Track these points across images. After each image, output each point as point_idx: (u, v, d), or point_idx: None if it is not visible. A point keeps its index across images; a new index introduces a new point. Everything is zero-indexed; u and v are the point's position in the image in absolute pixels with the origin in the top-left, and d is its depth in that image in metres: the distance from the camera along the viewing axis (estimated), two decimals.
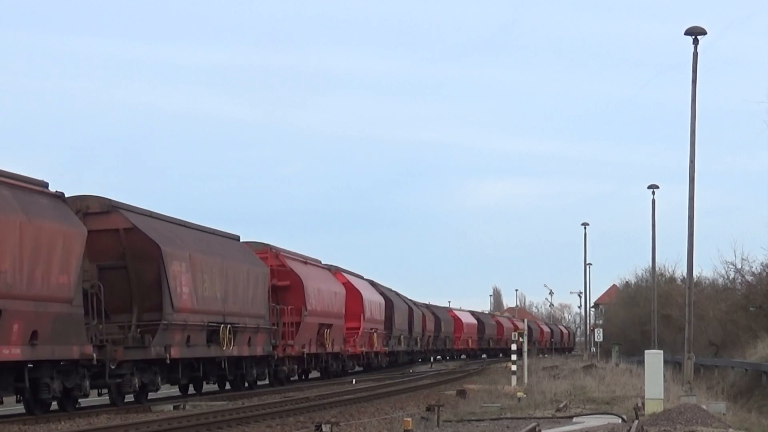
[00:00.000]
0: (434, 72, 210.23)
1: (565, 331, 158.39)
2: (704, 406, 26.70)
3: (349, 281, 56.57)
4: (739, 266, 66.96)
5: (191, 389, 37.63)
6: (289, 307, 43.81)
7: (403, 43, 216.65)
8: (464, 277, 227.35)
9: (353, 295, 56.02)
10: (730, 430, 23.40)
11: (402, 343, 71.22)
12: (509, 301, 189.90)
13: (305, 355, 45.83)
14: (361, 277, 62.94)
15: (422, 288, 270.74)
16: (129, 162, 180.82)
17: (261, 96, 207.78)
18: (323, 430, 20.19)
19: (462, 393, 36.24)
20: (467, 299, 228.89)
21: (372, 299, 60.83)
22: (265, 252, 43.50)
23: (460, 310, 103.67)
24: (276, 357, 41.95)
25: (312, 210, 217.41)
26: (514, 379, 43.38)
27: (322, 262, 53.71)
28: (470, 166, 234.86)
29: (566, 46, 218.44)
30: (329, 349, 49.39)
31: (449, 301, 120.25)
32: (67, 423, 25.36)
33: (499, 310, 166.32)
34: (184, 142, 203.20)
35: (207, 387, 38.82)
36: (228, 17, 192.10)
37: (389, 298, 68.03)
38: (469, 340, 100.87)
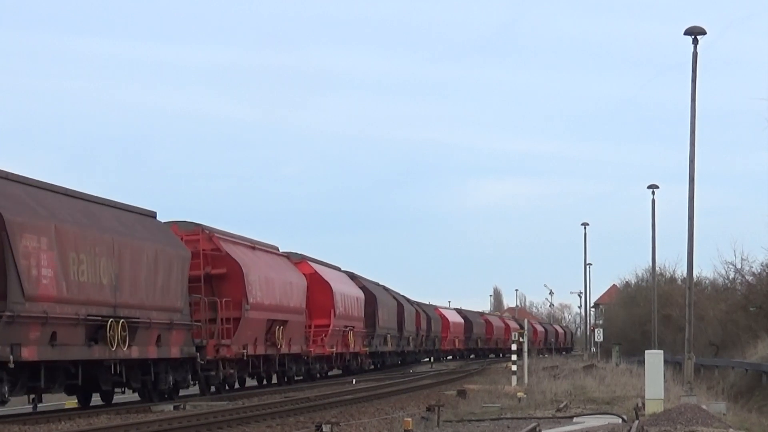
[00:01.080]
0: (434, 72, 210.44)
1: (560, 330, 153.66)
2: (704, 406, 26.69)
3: (316, 272, 49.64)
4: (739, 266, 67.08)
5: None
6: (225, 300, 36.16)
7: (403, 43, 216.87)
8: (464, 277, 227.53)
9: (321, 287, 49.15)
10: (731, 430, 23.39)
11: (389, 343, 65.82)
12: (509, 301, 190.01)
13: (246, 357, 38.04)
14: (338, 269, 56.80)
15: (422, 288, 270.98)
16: (129, 162, 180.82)
17: (261, 96, 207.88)
18: (324, 430, 20.19)
19: (462, 393, 36.22)
20: (467, 299, 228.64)
21: (347, 293, 54.23)
22: (195, 233, 36.37)
23: (446, 308, 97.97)
24: (205, 360, 34.44)
25: (312, 210, 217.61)
26: (514, 379, 43.36)
27: (281, 250, 46.35)
28: (470, 166, 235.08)
29: (566, 46, 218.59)
30: (284, 350, 42.37)
31: (449, 301, 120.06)
32: (67, 423, 25.35)
33: (500, 310, 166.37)
34: (184, 142, 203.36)
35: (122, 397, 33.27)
36: (228, 17, 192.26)
37: (372, 292, 61.85)
38: (456, 340, 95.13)
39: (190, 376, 34.04)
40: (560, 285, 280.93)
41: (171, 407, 30.67)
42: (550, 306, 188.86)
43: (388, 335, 65.51)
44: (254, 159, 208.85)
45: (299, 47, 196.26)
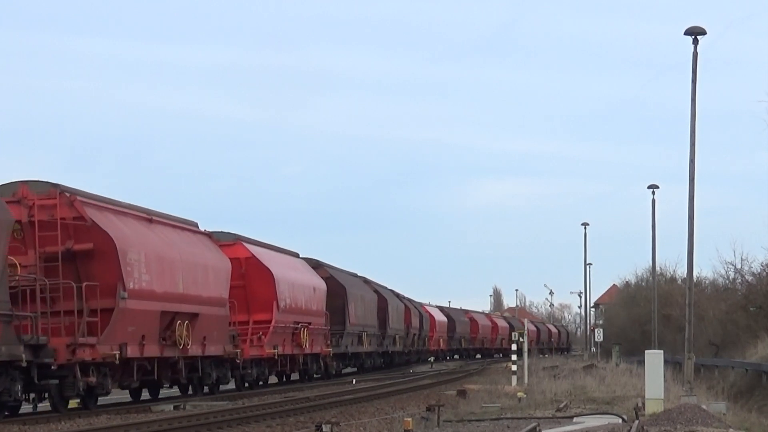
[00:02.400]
0: (434, 72, 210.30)
1: (555, 330, 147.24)
2: (704, 406, 26.69)
3: (254, 256, 40.73)
4: (739, 266, 66.98)
5: None
6: (89, 285, 27.91)
7: (403, 43, 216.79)
8: (464, 277, 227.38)
9: (260, 275, 40.23)
10: (731, 430, 23.40)
11: (367, 343, 58.26)
12: (509, 302, 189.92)
13: (119, 361, 28.97)
14: (294, 255, 48.23)
15: (422, 288, 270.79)
16: (129, 162, 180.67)
17: (261, 96, 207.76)
18: (323, 430, 20.20)
19: (462, 393, 36.23)
20: (467, 299, 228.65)
21: (299, 282, 45.12)
22: (51, 197, 28.44)
23: (429, 305, 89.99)
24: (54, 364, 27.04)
25: (312, 210, 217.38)
26: (514, 379, 43.38)
27: (199, 227, 37.62)
28: (470, 166, 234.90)
29: (566, 46, 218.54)
30: (194, 351, 33.37)
31: (449, 301, 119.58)
32: (67, 423, 25.36)
33: (500, 310, 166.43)
34: (184, 142, 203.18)
35: None
36: (228, 17, 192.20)
37: (340, 283, 53.67)
38: (441, 340, 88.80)
39: (19, 387, 25.87)
40: (560, 285, 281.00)
41: (171, 407, 30.69)
42: (550, 306, 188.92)
43: (365, 334, 57.81)
44: (254, 159, 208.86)
45: (299, 47, 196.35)
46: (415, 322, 75.38)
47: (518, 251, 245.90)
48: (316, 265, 51.85)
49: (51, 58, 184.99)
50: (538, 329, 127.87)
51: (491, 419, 25.65)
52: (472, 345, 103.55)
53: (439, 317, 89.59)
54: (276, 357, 41.69)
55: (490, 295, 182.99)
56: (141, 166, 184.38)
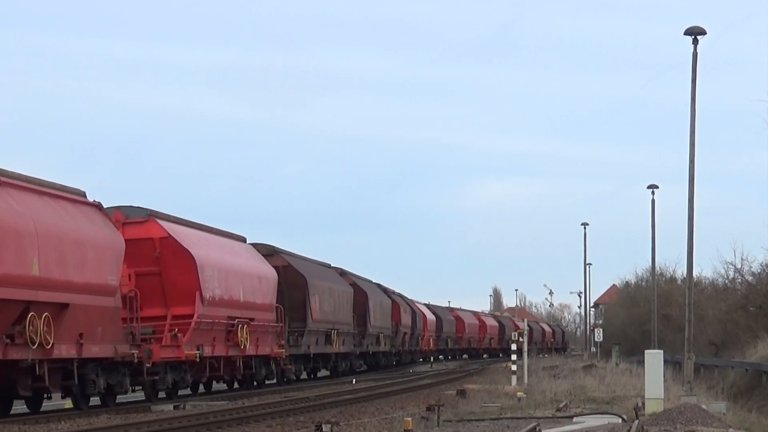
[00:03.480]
0: (434, 72, 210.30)
1: (549, 329, 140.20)
2: (704, 406, 26.70)
3: (170, 236, 33.31)
4: (739, 266, 67.03)
5: None
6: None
7: (403, 43, 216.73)
8: (464, 277, 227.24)
9: (176, 258, 33.09)
10: (731, 430, 23.41)
11: (339, 342, 50.57)
12: (509, 301, 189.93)
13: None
14: (239, 239, 40.63)
15: (422, 288, 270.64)
16: (129, 162, 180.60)
17: (261, 96, 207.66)
18: (323, 430, 20.19)
19: (462, 393, 36.23)
20: (467, 299, 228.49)
21: (236, 270, 37.16)
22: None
23: (417, 302, 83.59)
24: None
25: (312, 210, 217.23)
26: (514, 378, 43.38)
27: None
28: (470, 166, 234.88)
29: (567, 47, 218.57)
30: (59, 353, 26.01)
31: (449, 301, 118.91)
32: (67, 423, 25.35)
33: (499, 310, 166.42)
34: (184, 142, 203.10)
35: None
36: (228, 17, 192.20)
37: (299, 272, 45.67)
38: (431, 340, 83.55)
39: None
40: (560, 285, 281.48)
41: (171, 407, 30.69)
42: (549, 306, 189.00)
43: (335, 332, 50.03)
44: (254, 159, 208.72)
45: (299, 47, 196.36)
46: (406, 319, 69.54)
47: (518, 251, 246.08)
48: (270, 252, 44.15)
49: (51, 58, 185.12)
50: (531, 328, 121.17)
51: (491, 419, 25.65)
52: (458, 345, 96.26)
53: (429, 315, 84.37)
54: (198, 359, 33.59)
55: (490, 295, 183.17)
56: (141, 166, 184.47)
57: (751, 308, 61.29)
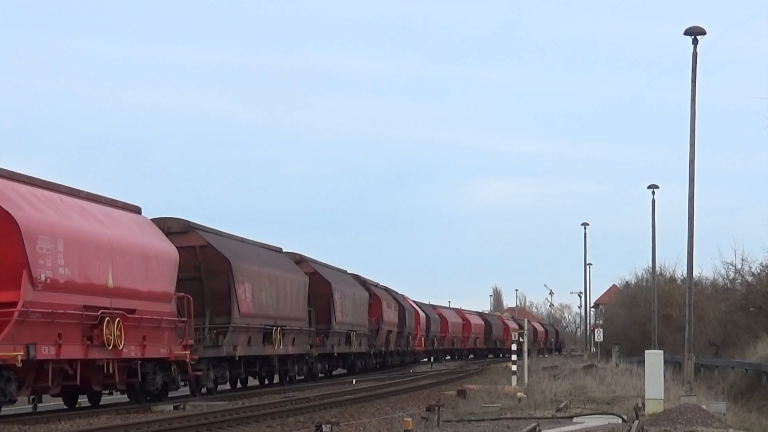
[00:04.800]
0: (434, 72, 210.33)
1: (542, 328, 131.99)
2: (704, 406, 26.70)
3: None
4: (739, 266, 67.08)
5: None
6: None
7: (403, 43, 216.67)
8: (464, 277, 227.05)
9: None
10: (731, 430, 23.41)
11: (282, 342, 40.98)
12: (509, 302, 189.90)
13: None
14: (131, 210, 32.05)
15: (423, 288, 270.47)
16: (130, 162, 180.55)
17: (261, 96, 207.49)
18: (323, 430, 20.19)
19: (462, 393, 36.23)
20: (467, 299, 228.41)
21: (106, 246, 28.30)
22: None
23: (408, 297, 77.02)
24: None
25: (312, 210, 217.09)
26: (514, 379, 43.39)
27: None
28: (470, 166, 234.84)
29: (566, 47, 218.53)
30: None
31: (449, 301, 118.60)
32: (67, 423, 25.36)
33: (500, 310, 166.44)
34: (184, 142, 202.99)
35: None
36: (228, 17, 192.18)
37: (224, 256, 36.33)
38: (423, 339, 77.23)
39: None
40: (560, 285, 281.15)
41: (171, 407, 30.70)
42: (550, 306, 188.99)
43: (278, 329, 40.43)
44: (254, 159, 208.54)
45: (299, 47, 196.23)
46: (390, 316, 62.27)
47: (518, 251, 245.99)
48: (184, 229, 35.96)
49: (52, 58, 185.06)
50: (520, 327, 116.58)
51: (491, 419, 25.65)
52: (442, 345, 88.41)
53: (422, 313, 78.71)
54: (20, 363, 24.03)
55: (490, 295, 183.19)
56: (143, 166, 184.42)
57: (751, 308, 61.29)
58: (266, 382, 44.33)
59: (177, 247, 33.23)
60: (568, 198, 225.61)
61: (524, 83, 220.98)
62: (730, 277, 68.93)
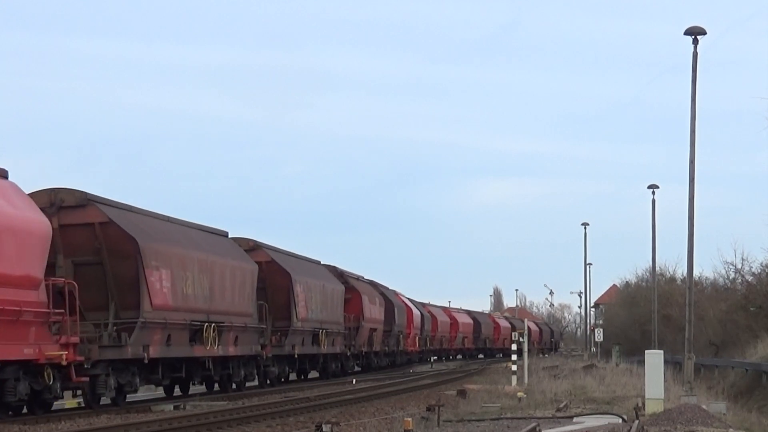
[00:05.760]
0: (434, 72, 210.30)
1: (536, 328, 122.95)
2: (704, 406, 26.71)
3: None
4: (739, 266, 67.09)
5: None
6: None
7: (403, 43, 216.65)
8: (465, 277, 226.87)
9: None
10: (731, 430, 23.41)
11: (217, 341, 34.31)
12: (509, 301, 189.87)
13: None
14: None
15: (423, 288, 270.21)
16: (130, 162, 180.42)
17: (261, 96, 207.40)
18: (324, 430, 20.19)
19: (462, 393, 36.23)
20: (467, 299, 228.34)
21: None
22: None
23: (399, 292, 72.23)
24: None
25: (312, 210, 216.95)
26: (514, 379, 43.39)
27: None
28: (470, 166, 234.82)
29: (566, 47, 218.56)
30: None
31: (449, 301, 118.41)
32: (67, 423, 25.35)
33: (500, 309, 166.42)
34: (184, 142, 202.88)
35: None
36: (228, 17, 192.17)
37: (131, 236, 29.78)
38: (417, 339, 72.58)
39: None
40: (560, 285, 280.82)
41: (171, 407, 30.70)
42: (550, 306, 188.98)
43: (211, 326, 33.98)
44: (254, 159, 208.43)
45: (299, 47, 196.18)
46: (374, 312, 56.57)
47: (518, 251, 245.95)
48: (81, 202, 29.80)
49: (53, 58, 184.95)
50: (512, 326, 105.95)
51: (491, 419, 25.64)
52: (432, 345, 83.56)
53: (415, 310, 73.10)
54: None
55: (491, 295, 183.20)
56: (143, 166, 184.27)
57: (751, 308, 61.29)
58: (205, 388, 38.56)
59: (71, 224, 28.89)
60: (568, 198, 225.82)
61: (524, 83, 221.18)
62: (730, 277, 69.01)
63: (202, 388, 38.50)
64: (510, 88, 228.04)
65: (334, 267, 54.38)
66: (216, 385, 38.41)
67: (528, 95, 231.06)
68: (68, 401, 30.46)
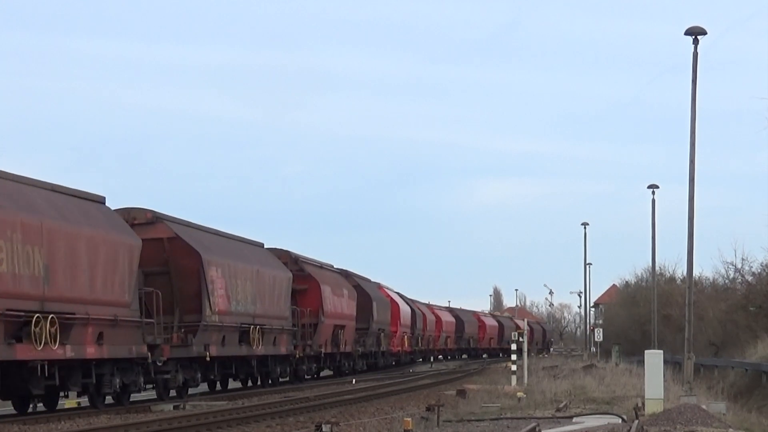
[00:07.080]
0: (434, 72, 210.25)
1: (528, 327, 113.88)
2: (704, 406, 26.69)
3: None
4: (739, 266, 67.03)
5: None
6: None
7: (403, 43, 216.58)
8: (465, 277, 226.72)
9: None
10: (730, 430, 23.40)
11: (118, 342, 28.28)
12: (509, 302, 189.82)
13: None
14: None
15: (423, 288, 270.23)
16: (130, 162, 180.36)
17: (261, 96, 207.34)
18: (323, 430, 20.19)
19: (462, 393, 36.23)
20: (468, 299, 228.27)
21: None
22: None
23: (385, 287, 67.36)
24: None
25: (313, 210, 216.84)
26: (514, 379, 43.39)
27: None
28: (471, 166, 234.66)
29: (567, 47, 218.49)
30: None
31: (449, 301, 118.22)
32: (67, 423, 25.37)
33: (500, 309, 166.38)
34: (184, 142, 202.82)
35: None
36: (228, 17, 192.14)
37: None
38: (405, 339, 67.37)
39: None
40: (560, 285, 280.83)
41: (171, 407, 30.69)
42: (550, 306, 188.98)
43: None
44: (254, 159, 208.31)
45: (299, 47, 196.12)
46: (339, 306, 49.61)
47: (518, 251, 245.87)
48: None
49: (53, 58, 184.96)
50: (500, 325, 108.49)
51: (491, 419, 25.65)
52: (420, 346, 77.66)
53: (404, 307, 66.70)
54: None
55: (490, 295, 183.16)
56: (143, 166, 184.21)
57: (751, 308, 61.28)
58: None
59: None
60: (568, 198, 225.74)
61: (524, 83, 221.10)
62: (730, 277, 68.95)
63: (204, 388, 38.84)
64: (510, 88, 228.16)
65: (288, 252, 46.22)
66: (218, 385, 40.65)
67: (528, 95, 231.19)
68: (68, 401, 30.45)
